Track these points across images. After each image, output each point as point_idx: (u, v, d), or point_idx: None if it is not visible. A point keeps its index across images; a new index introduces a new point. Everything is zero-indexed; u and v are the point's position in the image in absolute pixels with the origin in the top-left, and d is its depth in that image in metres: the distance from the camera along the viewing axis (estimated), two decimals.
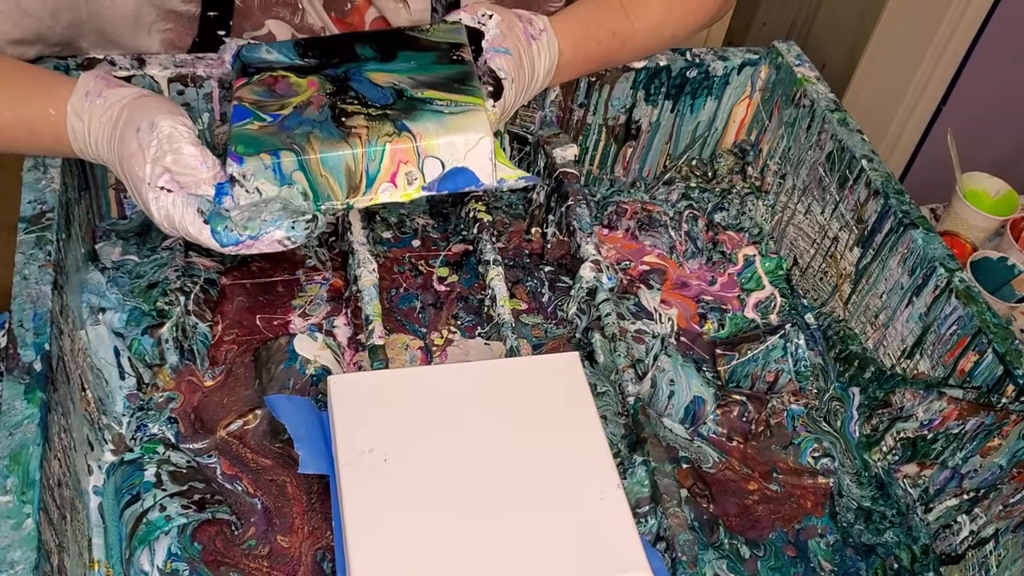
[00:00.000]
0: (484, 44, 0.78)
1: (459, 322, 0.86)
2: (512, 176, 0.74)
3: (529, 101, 0.92)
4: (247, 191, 0.69)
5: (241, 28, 0.85)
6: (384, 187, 0.71)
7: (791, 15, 2.07)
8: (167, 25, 0.82)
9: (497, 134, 0.77)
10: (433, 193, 0.72)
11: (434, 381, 0.72)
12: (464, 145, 0.71)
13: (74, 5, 0.78)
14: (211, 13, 0.83)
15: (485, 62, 0.77)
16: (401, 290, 0.88)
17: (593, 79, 0.92)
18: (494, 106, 0.76)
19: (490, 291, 0.84)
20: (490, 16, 0.79)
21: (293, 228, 0.68)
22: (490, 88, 0.76)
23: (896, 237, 0.84)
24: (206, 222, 0.68)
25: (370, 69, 0.75)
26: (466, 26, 0.79)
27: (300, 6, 0.86)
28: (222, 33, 0.84)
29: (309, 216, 0.69)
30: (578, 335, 0.86)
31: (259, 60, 0.76)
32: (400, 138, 0.70)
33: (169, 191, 0.68)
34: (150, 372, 0.77)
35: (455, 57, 0.76)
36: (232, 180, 0.68)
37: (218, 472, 0.72)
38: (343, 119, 0.71)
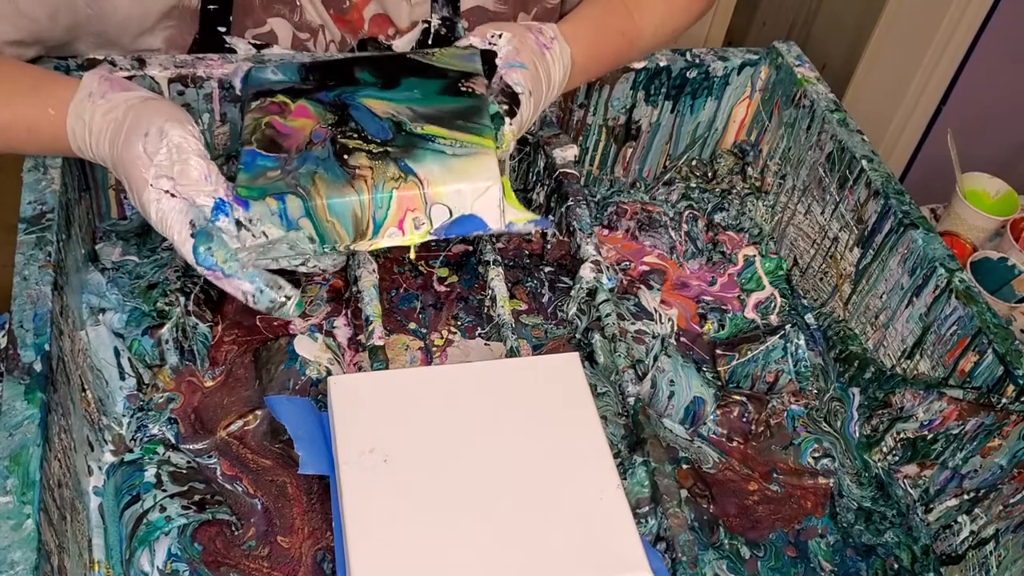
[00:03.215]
0: (498, 61, 0.78)
1: (459, 322, 0.86)
2: (522, 219, 0.74)
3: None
4: (253, 235, 0.69)
5: (243, 25, 0.85)
6: (391, 232, 0.71)
7: (791, 15, 2.06)
8: (170, 22, 0.83)
9: (503, 164, 0.76)
10: (440, 238, 0.72)
11: (434, 381, 0.72)
12: (472, 193, 0.71)
13: (73, 7, 0.77)
14: (211, 7, 0.83)
15: (501, 78, 0.77)
16: (401, 290, 0.88)
17: (593, 79, 0.92)
18: (510, 123, 0.75)
19: (490, 291, 0.84)
20: (500, 35, 0.78)
21: (262, 292, 0.70)
22: (505, 107, 0.75)
23: (896, 237, 0.84)
24: (192, 236, 0.68)
25: (367, 95, 0.74)
26: (480, 49, 0.79)
27: (298, 3, 0.86)
28: (222, 30, 0.84)
29: (288, 292, 0.71)
30: (578, 335, 0.86)
31: (264, 81, 0.76)
32: (407, 184, 0.69)
33: (173, 195, 0.68)
34: (150, 372, 0.77)
35: (464, 89, 0.75)
36: (239, 224, 0.68)
37: (218, 473, 0.72)
38: (345, 156, 0.70)
